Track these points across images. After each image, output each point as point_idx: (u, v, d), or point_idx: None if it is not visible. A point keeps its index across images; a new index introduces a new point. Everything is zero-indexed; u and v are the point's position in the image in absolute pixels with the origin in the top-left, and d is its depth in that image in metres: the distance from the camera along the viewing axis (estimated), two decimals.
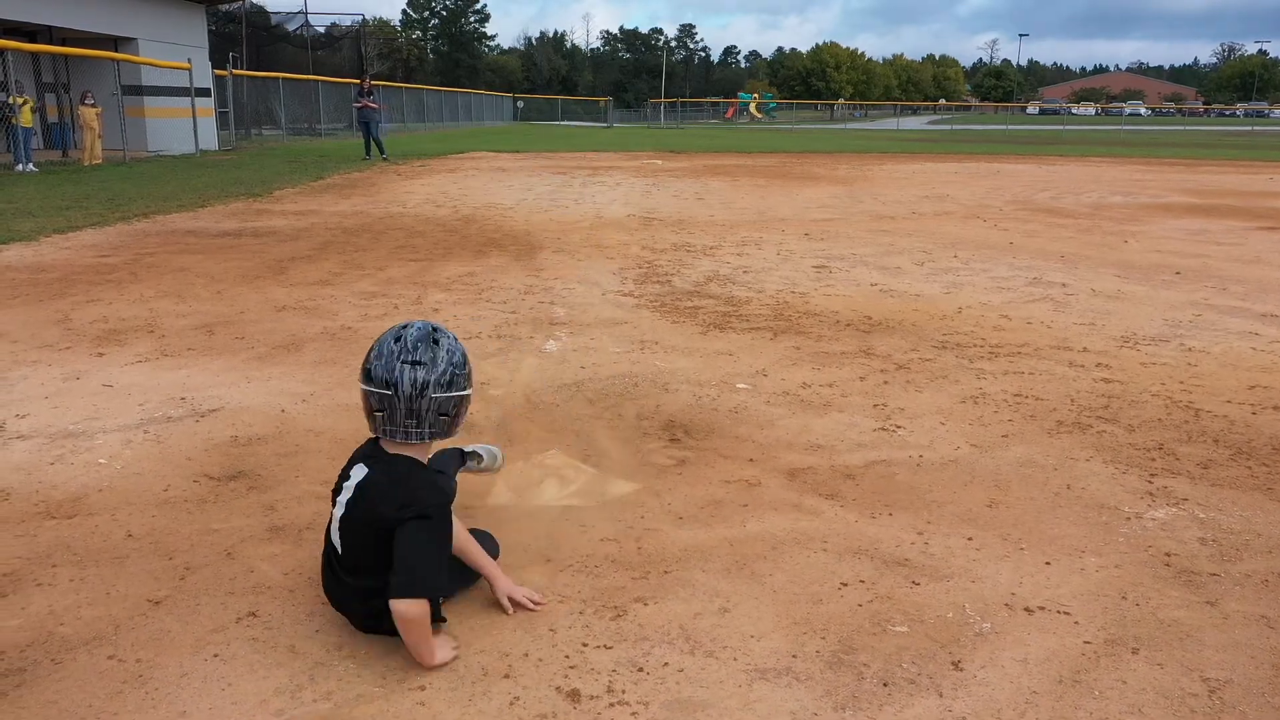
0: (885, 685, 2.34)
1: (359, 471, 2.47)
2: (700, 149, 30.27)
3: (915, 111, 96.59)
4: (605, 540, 3.10)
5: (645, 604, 2.70)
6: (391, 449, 2.49)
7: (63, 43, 21.53)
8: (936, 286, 7.59)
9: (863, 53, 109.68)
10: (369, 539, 2.39)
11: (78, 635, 2.50)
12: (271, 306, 6.52)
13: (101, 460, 3.72)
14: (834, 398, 4.66)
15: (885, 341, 5.76)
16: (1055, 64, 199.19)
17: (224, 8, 31.99)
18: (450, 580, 2.54)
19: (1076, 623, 2.63)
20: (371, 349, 2.45)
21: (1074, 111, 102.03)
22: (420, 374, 2.39)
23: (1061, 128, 54.40)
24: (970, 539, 3.14)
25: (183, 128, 23.55)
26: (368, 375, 2.42)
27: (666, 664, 2.42)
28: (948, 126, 63.22)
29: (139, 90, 22.50)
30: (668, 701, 2.27)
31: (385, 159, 22.00)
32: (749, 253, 9.19)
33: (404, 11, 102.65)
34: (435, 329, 2.47)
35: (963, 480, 3.65)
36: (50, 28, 20.99)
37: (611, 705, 2.25)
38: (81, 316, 6.14)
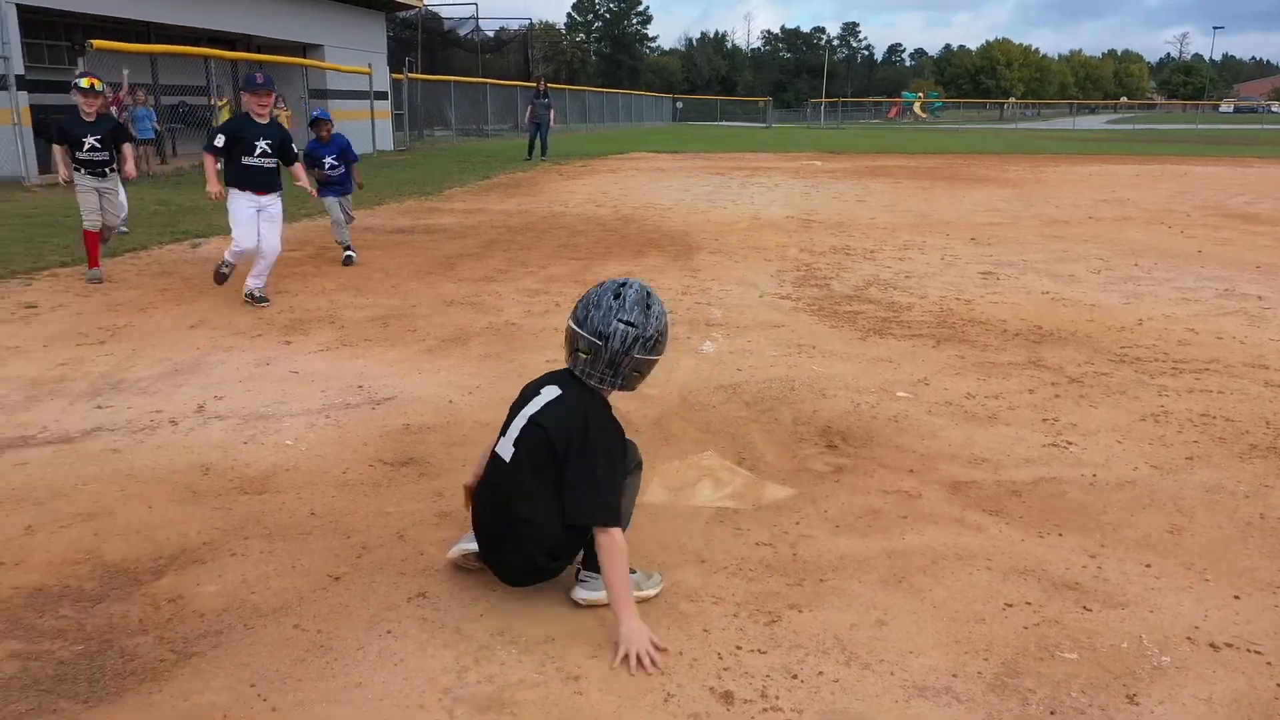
0: (1052, 713, 2.24)
1: (552, 389, 2.67)
2: (861, 149, 29.66)
3: (1093, 110, 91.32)
4: (760, 544, 3.10)
5: (800, 611, 2.69)
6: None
7: (258, 50, 23.14)
8: (1114, 296, 7.18)
9: (1037, 49, 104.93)
10: (542, 452, 2.57)
11: (267, 604, 2.71)
12: (441, 301, 6.82)
13: (288, 442, 4.00)
14: (1000, 410, 4.49)
15: (1057, 353, 5.50)
16: (1254, 58, 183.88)
17: (402, 15, 33.59)
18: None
19: (1269, 663, 2.45)
20: (589, 295, 2.64)
21: (1274, 110, 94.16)
22: (632, 333, 2.58)
23: (1260, 127, 50.29)
24: (1149, 566, 2.97)
25: (362, 129, 24.86)
26: (582, 321, 2.60)
27: (821, 673, 2.40)
28: (1129, 126, 59.59)
29: (324, 94, 23.91)
30: (822, 711, 2.25)
31: (545, 159, 22.59)
32: (911, 257, 8.95)
33: (568, 14, 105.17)
34: (649, 294, 2.66)
35: (1141, 503, 3.45)
36: (249, 36, 22.59)
37: (765, 710, 2.25)
38: (271, 306, 6.60)
